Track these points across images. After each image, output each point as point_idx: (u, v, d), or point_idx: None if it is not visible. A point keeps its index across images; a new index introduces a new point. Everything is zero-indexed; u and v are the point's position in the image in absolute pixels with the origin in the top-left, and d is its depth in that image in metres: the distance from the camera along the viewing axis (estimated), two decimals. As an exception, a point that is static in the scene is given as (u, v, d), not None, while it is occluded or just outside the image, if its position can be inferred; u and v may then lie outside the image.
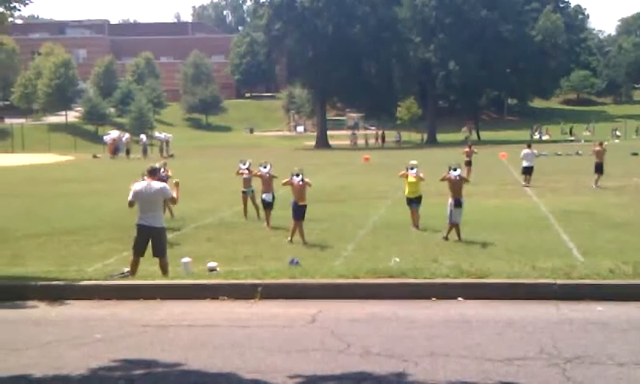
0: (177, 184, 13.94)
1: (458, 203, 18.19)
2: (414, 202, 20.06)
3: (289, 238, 18.26)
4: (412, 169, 20.04)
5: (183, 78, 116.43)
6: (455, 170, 18.58)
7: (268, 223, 20.70)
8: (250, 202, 22.43)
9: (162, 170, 22.01)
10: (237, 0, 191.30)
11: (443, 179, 18.86)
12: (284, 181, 18.90)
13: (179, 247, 16.87)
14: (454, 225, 18.15)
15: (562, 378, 6.96)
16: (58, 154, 73.69)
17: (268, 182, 20.76)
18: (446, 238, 17.96)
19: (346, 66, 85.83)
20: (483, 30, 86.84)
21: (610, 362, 7.39)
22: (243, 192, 22.57)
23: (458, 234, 18.03)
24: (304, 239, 18.04)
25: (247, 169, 22.48)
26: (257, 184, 21.82)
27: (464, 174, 30.01)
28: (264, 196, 20.84)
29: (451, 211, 18.15)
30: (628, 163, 44.31)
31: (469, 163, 34.33)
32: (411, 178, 20.02)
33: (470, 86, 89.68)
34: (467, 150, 35.65)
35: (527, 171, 31.97)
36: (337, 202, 26.00)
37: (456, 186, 18.41)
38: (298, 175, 18.51)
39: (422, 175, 20.13)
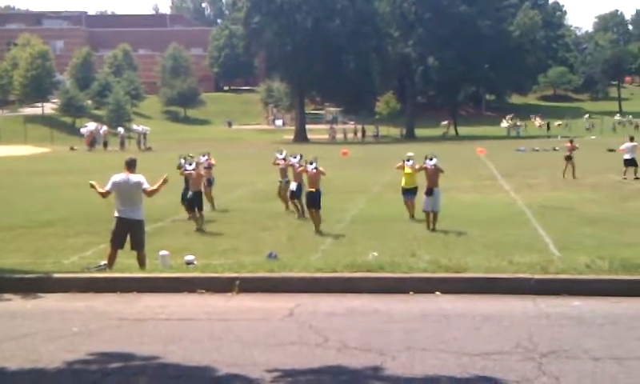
0: (164, 181, 13.37)
1: (428, 192, 18.89)
2: (410, 192, 20.55)
3: (314, 230, 18.66)
4: (408, 160, 20.51)
5: (161, 71, 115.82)
6: (431, 159, 19.28)
7: (295, 211, 21.29)
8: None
9: (206, 158, 22.41)
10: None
11: (420, 168, 19.69)
12: (299, 169, 19.83)
13: (157, 240, 16.79)
14: (426, 213, 18.92)
15: (538, 372, 7.00)
16: (35, 145, 73.00)
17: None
18: (429, 229, 18.57)
19: (324, 60, 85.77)
20: (462, 26, 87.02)
21: (586, 357, 7.43)
22: (280, 182, 22.64)
23: (433, 223, 18.71)
24: (318, 228, 18.55)
25: (283, 159, 22.57)
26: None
27: (568, 169, 29.63)
28: (291, 185, 21.20)
29: (424, 200, 19.06)
30: (604, 159, 44.64)
31: (569, 158, 33.04)
32: (407, 170, 20.50)
33: (449, 81, 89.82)
34: (569, 144, 34.19)
35: (628, 163, 32.20)
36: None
37: (430, 175, 19.14)
38: (311, 163, 19.22)
39: (417, 167, 20.51)
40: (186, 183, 20.54)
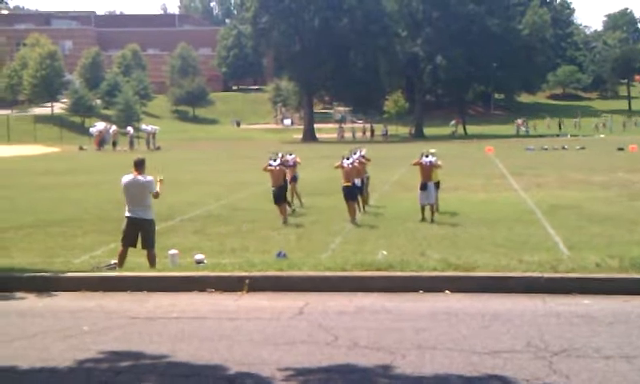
0: (161, 181, 13.70)
1: (423, 186, 20.04)
2: (434, 186, 21.03)
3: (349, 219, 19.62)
4: (427, 156, 21.13)
5: (170, 70, 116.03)
6: (427, 156, 20.62)
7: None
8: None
9: (293, 156, 24.07)
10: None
11: (416, 164, 20.93)
12: (336, 164, 20.74)
13: (166, 239, 16.82)
14: (422, 206, 19.98)
15: (549, 371, 6.99)
16: (44, 145, 73.29)
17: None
18: (422, 220, 19.68)
19: (332, 60, 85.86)
20: (470, 25, 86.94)
21: (596, 355, 7.42)
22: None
23: (431, 215, 19.86)
24: (354, 217, 19.65)
25: (362, 157, 23.03)
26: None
27: None
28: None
29: (419, 194, 20.17)
30: (614, 158, 44.52)
31: None
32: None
33: (457, 80, 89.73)
34: None
35: None
36: (324, 195, 25.98)
37: (425, 171, 20.33)
38: (348, 159, 20.41)
39: (439, 162, 21.32)
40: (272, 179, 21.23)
